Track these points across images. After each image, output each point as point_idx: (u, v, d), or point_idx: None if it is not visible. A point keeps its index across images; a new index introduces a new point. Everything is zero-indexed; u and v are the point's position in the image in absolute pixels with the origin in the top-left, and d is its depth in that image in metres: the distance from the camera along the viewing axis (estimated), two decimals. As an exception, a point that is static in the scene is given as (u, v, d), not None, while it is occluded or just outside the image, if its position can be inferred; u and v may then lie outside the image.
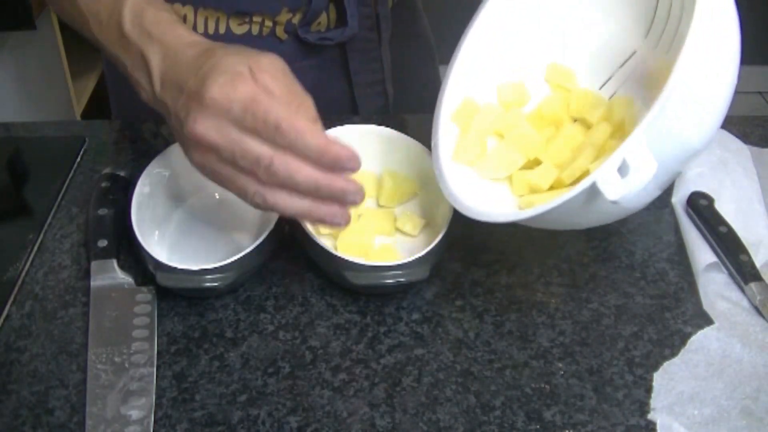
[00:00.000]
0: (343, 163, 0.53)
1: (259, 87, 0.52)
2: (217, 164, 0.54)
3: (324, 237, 0.65)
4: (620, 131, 0.63)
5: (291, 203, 0.54)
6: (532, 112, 0.69)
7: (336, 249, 0.64)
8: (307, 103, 0.54)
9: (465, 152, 0.64)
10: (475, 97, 0.67)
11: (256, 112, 0.51)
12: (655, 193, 0.58)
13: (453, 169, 0.63)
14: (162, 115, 0.58)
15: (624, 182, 0.49)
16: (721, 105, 0.54)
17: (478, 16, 0.67)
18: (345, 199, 0.54)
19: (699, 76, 0.52)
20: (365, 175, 0.69)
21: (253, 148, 0.52)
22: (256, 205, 0.55)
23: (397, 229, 0.67)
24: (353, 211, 0.67)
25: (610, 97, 0.67)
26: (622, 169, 0.49)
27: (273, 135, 0.51)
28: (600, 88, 0.68)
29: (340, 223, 0.56)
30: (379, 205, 0.70)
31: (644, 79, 0.65)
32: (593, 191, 0.50)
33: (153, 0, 0.59)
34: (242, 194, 0.55)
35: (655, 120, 0.49)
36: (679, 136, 0.52)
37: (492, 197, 0.63)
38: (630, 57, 0.67)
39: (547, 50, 0.70)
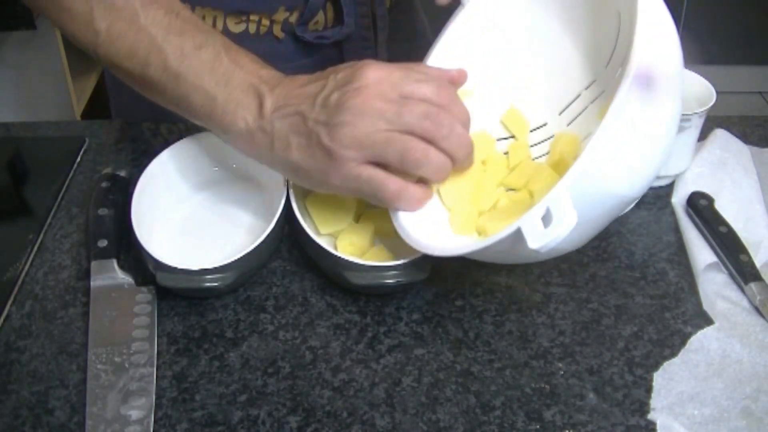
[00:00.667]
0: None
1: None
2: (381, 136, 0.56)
3: (324, 237, 0.65)
4: (563, 167, 0.63)
5: (438, 159, 0.57)
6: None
7: (336, 249, 0.64)
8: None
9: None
10: None
11: (410, 77, 0.57)
12: (591, 234, 0.58)
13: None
14: (249, 142, 0.60)
15: (546, 232, 0.49)
16: (655, 157, 0.53)
17: (443, 36, 0.67)
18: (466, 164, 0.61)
19: (628, 128, 0.51)
20: None
21: (418, 106, 0.56)
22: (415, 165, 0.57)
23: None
24: (353, 211, 0.67)
25: (569, 124, 0.67)
26: (546, 219, 0.50)
27: (433, 92, 0.56)
28: (560, 114, 0.68)
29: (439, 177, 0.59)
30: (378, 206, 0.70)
31: (599, 111, 0.65)
32: (518, 237, 0.50)
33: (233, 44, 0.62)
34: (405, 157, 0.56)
35: (580, 172, 0.49)
36: (607, 188, 0.52)
37: (436, 230, 0.62)
38: (589, 86, 0.66)
39: (512, 74, 0.69)
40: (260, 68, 0.60)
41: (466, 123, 0.58)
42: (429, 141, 0.56)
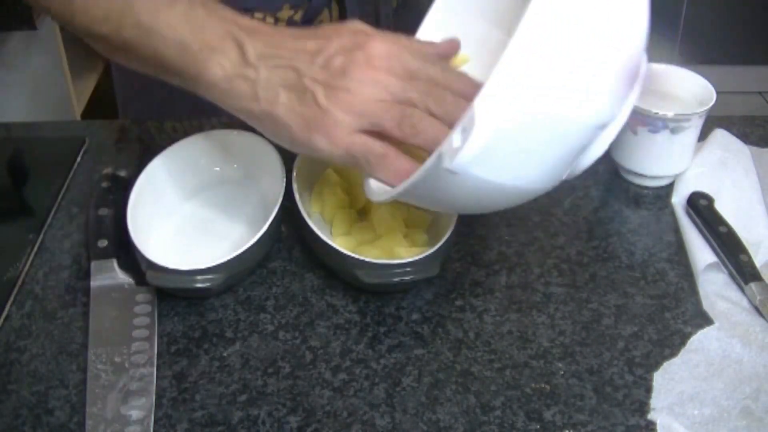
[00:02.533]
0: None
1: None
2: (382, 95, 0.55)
3: (328, 234, 0.65)
4: None
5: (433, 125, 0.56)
6: None
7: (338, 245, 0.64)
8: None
9: None
10: None
11: (418, 54, 0.56)
12: (552, 167, 0.53)
13: None
14: (218, 98, 0.58)
15: (460, 147, 0.47)
16: (599, 62, 0.49)
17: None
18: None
19: (554, 23, 0.47)
20: None
21: (423, 84, 0.55)
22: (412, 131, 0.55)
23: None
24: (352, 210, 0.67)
25: None
26: (463, 138, 0.48)
27: (439, 71, 0.56)
28: None
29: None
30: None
31: None
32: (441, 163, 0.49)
33: None
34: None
35: (494, 85, 0.46)
36: (541, 105, 0.48)
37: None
38: None
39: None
40: (237, 17, 0.58)
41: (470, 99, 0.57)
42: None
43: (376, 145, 0.55)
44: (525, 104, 0.47)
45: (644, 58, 0.54)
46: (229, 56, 0.56)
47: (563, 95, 0.48)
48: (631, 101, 0.53)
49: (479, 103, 0.47)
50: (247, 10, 0.75)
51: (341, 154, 0.55)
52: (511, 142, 0.48)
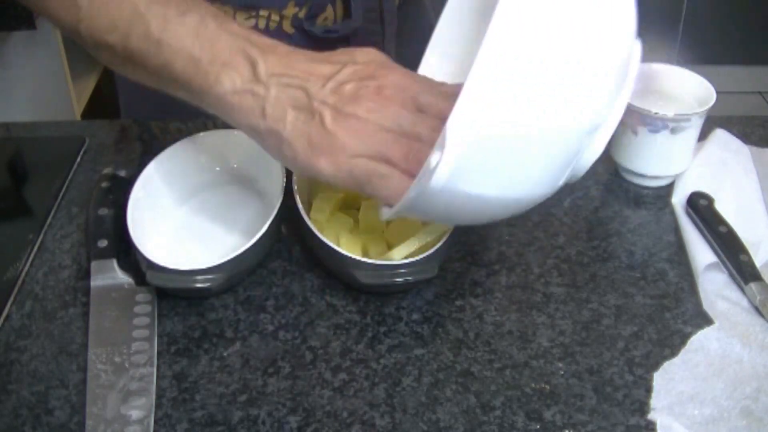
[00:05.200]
0: None
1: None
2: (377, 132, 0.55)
3: (329, 235, 0.65)
4: None
5: None
6: None
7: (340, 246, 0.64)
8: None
9: None
10: None
11: (431, 90, 0.56)
12: (530, 177, 0.51)
13: None
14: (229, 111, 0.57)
15: (437, 167, 0.47)
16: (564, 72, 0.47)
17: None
18: None
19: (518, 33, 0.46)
20: None
21: (432, 120, 0.55)
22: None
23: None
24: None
25: None
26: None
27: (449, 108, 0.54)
28: None
29: None
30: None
31: None
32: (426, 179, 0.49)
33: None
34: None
35: (464, 103, 0.46)
36: (508, 115, 0.46)
37: None
38: None
39: None
40: (250, 33, 0.58)
41: None
42: None
43: (381, 166, 0.54)
44: (496, 117, 0.47)
45: (637, 49, 0.52)
46: (241, 72, 0.56)
47: (538, 104, 0.47)
48: (625, 97, 0.52)
49: (451, 119, 0.46)
50: (252, 7, 0.75)
51: (344, 177, 0.55)
52: (489, 154, 0.48)
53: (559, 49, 0.47)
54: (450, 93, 0.56)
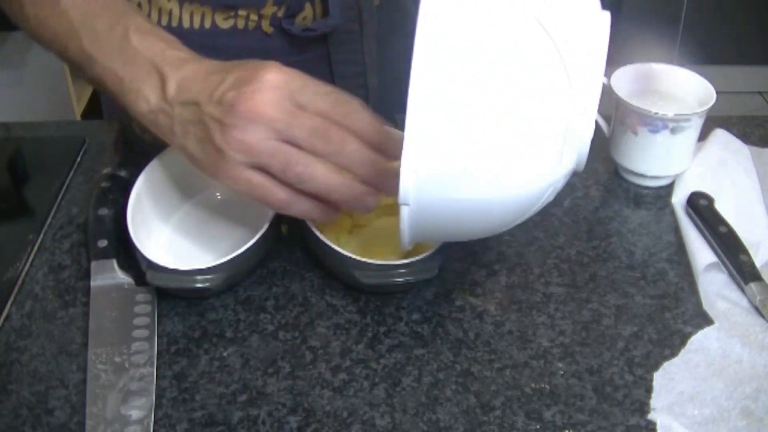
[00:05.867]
0: (393, 144, 0.56)
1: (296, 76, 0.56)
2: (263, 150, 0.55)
3: (329, 236, 0.65)
4: None
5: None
6: None
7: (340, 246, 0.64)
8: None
9: None
10: None
11: (309, 88, 0.56)
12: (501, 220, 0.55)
13: None
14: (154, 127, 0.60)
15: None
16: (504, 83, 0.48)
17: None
18: (382, 184, 0.57)
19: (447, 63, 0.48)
20: None
21: (309, 120, 0.55)
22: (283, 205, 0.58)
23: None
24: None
25: None
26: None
27: (330, 106, 0.55)
28: None
29: (369, 207, 0.58)
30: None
31: None
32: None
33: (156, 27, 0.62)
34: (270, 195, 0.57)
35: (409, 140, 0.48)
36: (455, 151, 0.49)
37: None
38: None
39: None
40: (167, 48, 0.59)
41: (367, 138, 0.56)
42: (319, 156, 0.55)
43: (265, 180, 0.56)
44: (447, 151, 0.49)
45: (605, 19, 0.51)
46: (153, 91, 0.58)
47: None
48: (599, 67, 0.51)
49: (406, 139, 0.48)
50: (231, 7, 0.75)
51: (243, 189, 0.57)
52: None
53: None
54: (329, 92, 0.57)
